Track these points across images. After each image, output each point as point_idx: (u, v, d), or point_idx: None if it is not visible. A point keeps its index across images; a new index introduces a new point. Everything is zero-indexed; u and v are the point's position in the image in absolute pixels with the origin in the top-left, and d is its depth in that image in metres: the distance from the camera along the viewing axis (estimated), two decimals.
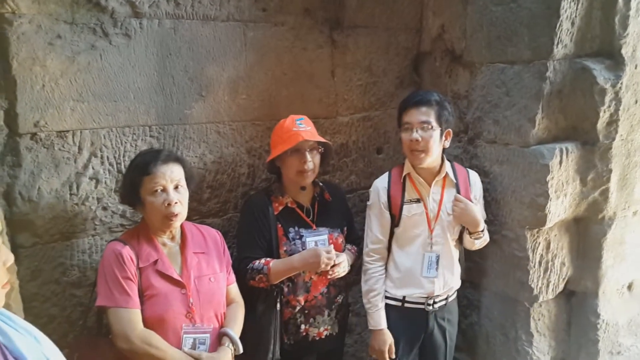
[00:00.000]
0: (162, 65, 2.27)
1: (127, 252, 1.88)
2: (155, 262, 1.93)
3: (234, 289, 2.19)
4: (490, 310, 2.76)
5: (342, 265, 2.29)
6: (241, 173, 2.54)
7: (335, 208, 2.45)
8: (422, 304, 2.39)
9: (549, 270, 2.57)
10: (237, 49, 2.44)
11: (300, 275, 2.31)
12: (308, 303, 2.35)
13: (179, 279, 1.94)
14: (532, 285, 2.54)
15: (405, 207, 2.36)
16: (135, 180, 1.92)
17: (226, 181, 2.50)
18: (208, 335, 1.97)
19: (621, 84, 2.38)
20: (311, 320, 2.37)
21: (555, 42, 2.34)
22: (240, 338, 2.15)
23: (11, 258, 1.16)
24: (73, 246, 2.16)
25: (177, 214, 1.92)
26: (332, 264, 2.23)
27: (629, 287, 2.82)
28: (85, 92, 2.12)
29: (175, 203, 1.91)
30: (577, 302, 2.73)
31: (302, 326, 2.36)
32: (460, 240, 2.47)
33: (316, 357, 2.51)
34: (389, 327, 2.39)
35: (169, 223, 1.93)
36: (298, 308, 2.34)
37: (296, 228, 2.34)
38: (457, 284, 2.49)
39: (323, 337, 2.40)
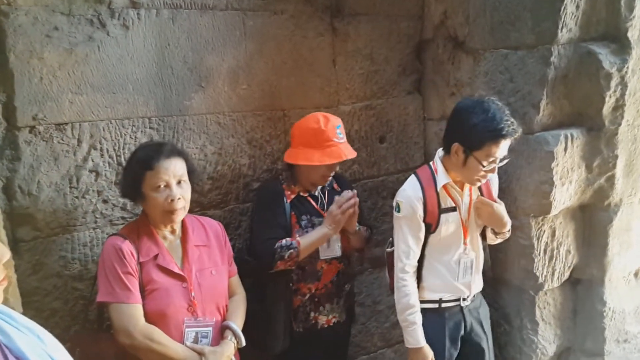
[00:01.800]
0: (161, 56, 2.25)
1: (127, 246, 1.87)
2: (156, 256, 1.91)
3: (236, 281, 2.18)
4: (495, 299, 2.74)
5: (351, 196, 2.28)
6: (242, 164, 2.52)
7: None
8: (457, 300, 2.31)
9: (554, 258, 2.55)
10: (237, 38, 2.41)
11: (311, 263, 2.33)
12: (318, 291, 2.36)
13: (180, 272, 1.93)
14: (537, 274, 2.52)
15: (442, 216, 2.22)
16: (137, 175, 1.89)
17: (227, 172, 2.48)
18: (210, 328, 1.96)
19: (627, 68, 2.35)
20: (320, 308, 2.38)
21: (560, 26, 2.30)
22: (251, 326, 2.17)
23: (7, 254, 1.14)
24: (74, 239, 2.15)
25: (179, 209, 1.90)
26: (346, 207, 2.24)
27: (636, 274, 2.80)
28: (84, 85, 2.10)
29: (179, 199, 1.89)
30: (583, 290, 2.71)
31: (312, 314, 2.37)
32: (482, 236, 2.38)
33: (324, 345, 2.49)
34: (427, 331, 2.26)
35: (171, 218, 1.92)
36: (308, 296, 2.35)
37: (309, 216, 2.35)
38: (482, 280, 2.42)
39: (331, 324, 2.42)
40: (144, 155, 1.91)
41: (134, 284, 1.84)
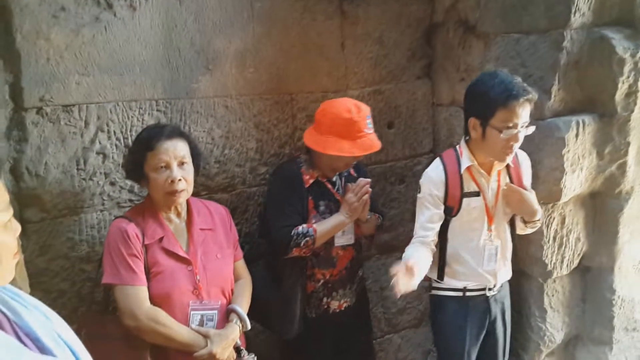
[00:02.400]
0: (168, 37, 2.23)
1: (133, 229, 1.87)
2: (161, 239, 1.91)
3: (241, 265, 2.18)
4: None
5: (365, 184, 2.26)
6: (249, 148, 2.51)
7: None
8: (483, 289, 2.27)
9: (564, 246, 2.53)
10: (244, 20, 2.39)
11: (326, 249, 2.33)
12: (333, 277, 2.37)
13: (185, 256, 1.93)
14: (546, 261, 2.50)
15: (464, 200, 2.17)
16: (138, 156, 1.89)
17: (234, 156, 2.47)
18: (216, 311, 1.96)
19: None
20: (333, 293, 2.39)
21: (573, 11, 2.26)
22: (266, 310, 2.20)
23: (19, 228, 1.15)
24: (81, 221, 2.15)
25: (180, 191, 1.89)
26: (360, 195, 2.23)
27: None
28: (91, 66, 2.09)
29: (179, 180, 1.88)
30: (592, 278, 2.69)
31: (324, 299, 2.38)
32: (512, 225, 2.32)
33: (335, 329, 2.48)
34: (450, 319, 2.26)
35: (172, 199, 1.91)
36: (322, 282, 2.36)
37: (326, 201, 2.34)
38: (510, 269, 2.37)
39: (343, 309, 2.42)
40: (146, 137, 1.91)
41: (139, 266, 1.84)
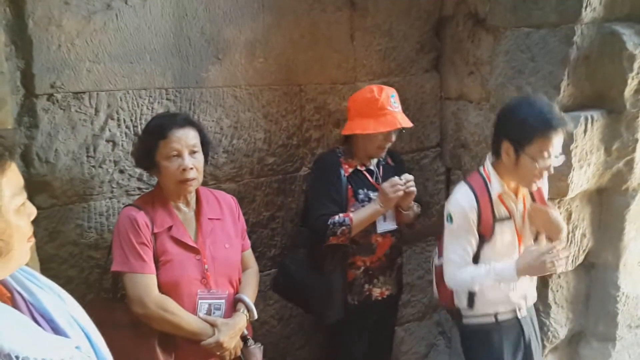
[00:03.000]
0: (179, 26, 2.23)
1: (142, 217, 1.87)
2: (170, 227, 1.92)
3: (249, 255, 2.19)
4: None
5: (410, 181, 2.29)
6: (257, 138, 2.51)
7: (397, 172, 2.40)
8: (514, 311, 2.19)
9: (569, 242, 2.53)
10: (255, 10, 2.39)
11: (365, 237, 2.36)
12: (373, 264, 2.41)
13: (194, 245, 1.93)
14: None
15: (497, 225, 2.07)
16: (150, 144, 1.89)
17: (242, 146, 2.48)
18: (223, 301, 1.96)
19: None
20: (374, 280, 2.43)
21: (584, 5, 2.25)
22: (307, 295, 2.30)
23: (35, 211, 1.16)
24: (90, 208, 2.16)
25: (192, 180, 1.90)
26: (401, 188, 2.25)
27: None
28: (101, 53, 2.10)
29: (191, 169, 1.88)
30: (597, 274, 2.69)
31: (366, 286, 2.43)
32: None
33: (376, 316, 2.53)
34: (487, 348, 2.16)
35: (184, 188, 1.91)
36: (362, 269, 2.40)
37: (365, 190, 2.38)
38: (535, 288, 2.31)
39: (385, 296, 2.47)
40: (157, 124, 1.91)
41: (148, 255, 1.85)
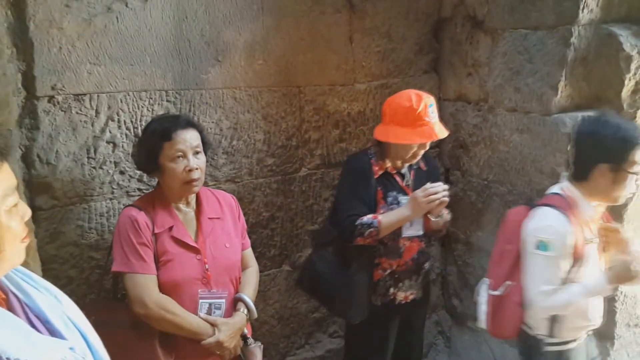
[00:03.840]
0: (179, 28, 2.25)
1: (143, 218, 1.88)
2: (171, 228, 1.93)
3: (249, 254, 2.20)
4: None
5: (442, 190, 2.25)
6: (257, 139, 2.53)
7: (429, 178, 2.41)
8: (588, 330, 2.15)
9: None
10: (254, 12, 2.41)
11: (393, 239, 2.35)
12: (399, 268, 2.39)
13: (194, 245, 1.94)
14: None
15: (586, 248, 1.99)
16: (154, 147, 1.89)
17: (242, 147, 2.50)
18: (224, 300, 1.97)
19: None
20: (400, 284, 2.41)
21: (581, 7, 2.26)
22: (333, 294, 2.31)
23: (29, 212, 1.15)
24: (91, 209, 2.18)
25: (197, 180, 1.91)
26: (433, 197, 2.21)
27: None
28: (102, 55, 2.12)
29: (196, 169, 1.90)
30: None
31: (391, 289, 2.41)
32: None
33: (400, 320, 2.52)
34: None
35: (189, 189, 1.93)
36: (388, 271, 2.39)
37: (395, 193, 2.35)
38: None
39: (409, 300, 2.45)
40: (161, 127, 1.91)
41: (148, 255, 1.86)
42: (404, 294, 2.43)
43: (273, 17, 2.45)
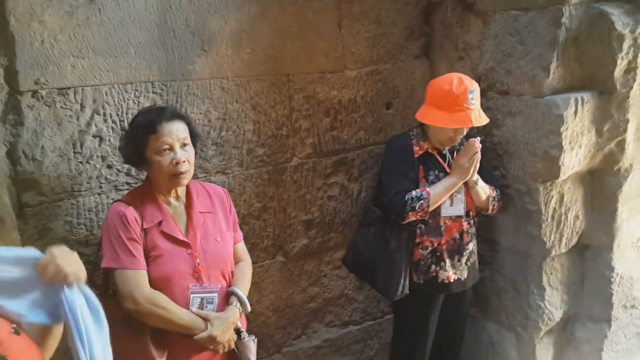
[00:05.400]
0: (163, 18, 2.21)
1: (131, 213, 1.86)
2: (160, 222, 1.90)
3: (242, 248, 2.18)
4: (502, 265, 2.74)
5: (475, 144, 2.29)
6: (246, 130, 2.49)
7: None
8: None
9: (562, 224, 2.53)
10: (239, 0, 2.36)
11: (434, 217, 2.42)
12: (440, 246, 2.45)
13: (184, 239, 1.92)
14: (545, 239, 2.50)
15: None
16: (140, 140, 1.86)
17: (231, 138, 2.46)
18: (216, 294, 1.96)
19: None
20: (442, 263, 2.47)
21: None
22: (373, 272, 2.46)
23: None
24: (79, 204, 2.15)
25: (185, 172, 1.88)
26: (471, 154, 2.28)
27: None
28: (85, 48, 2.07)
29: (183, 162, 1.87)
30: (591, 256, 2.69)
31: (432, 267, 2.47)
32: None
33: (444, 299, 2.60)
34: None
35: (177, 181, 1.90)
36: (429, 249, 2.45)
37: (436, 172, 2.42)
38: None
39: (452, 280, 2.50)
40: (146, 119, 1.88)
41: (138, 250, 1.84)
42: (447, 274, 2.48)
43: (259, 4, 2.41)
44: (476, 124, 2.26)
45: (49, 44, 2.00)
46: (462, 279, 2.53)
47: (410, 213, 2.32)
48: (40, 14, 1.97)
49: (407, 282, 2.45)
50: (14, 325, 1.20)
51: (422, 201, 2.31)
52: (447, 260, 2.46)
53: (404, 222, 2.37)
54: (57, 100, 2.05)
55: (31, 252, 1.29)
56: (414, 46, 2.92)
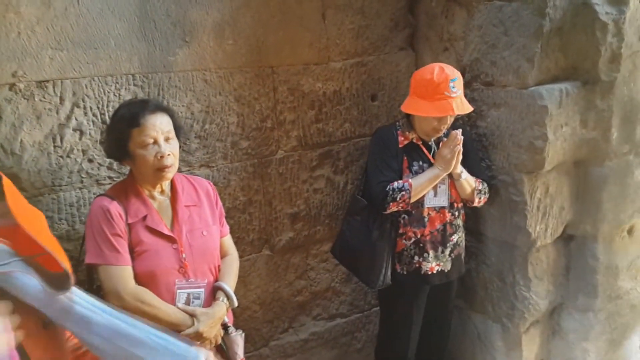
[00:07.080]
0: (143, 9, 2.17)
1: (115, 207, 1.82)
2: (145, 217, 1.87)
3: (228, 242, 2.15)
4: (488, 256, 2.74)
5: (457, 136, 2.28)
6: (230, 122, 2.46)
7: None
8: None
9: (548, 215, 2.54)
10: None
11: (417, 208, 2.42)
12: (423, 237, 2.45)
13: (170, 234, 1.89)
14: (530, 230, 2.50)
15: None
16: (122, 134, 1.82)
17: (215, 131, 2.43)
18: (202, 290, 1.93)
19: (624, 18, 2.29)
20: (425, 254, 2.47)
21: None
22: (355, 259, 2.52)
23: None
24: (60, 199, 2.11)
25: (170, 166, 1.85)
26: (452, 146, 2.27)
27: (629, 230, 2.77)
28: (64, 40, 2.03)
29: (168, 155, 1.83)
30: (576, 246, 2.70)
31: (416, 257, 2.47)
32: None
33: (428, 290, 2.60)
34: None
35: (162, 175, 1.86)
36: (413, 240, 2.45)
37: (420, 163, 2.42)
38: None
39: (435, 272, 2.50)
40: (129, 112, 1.84)
41: (122, 246, 1.81)
42: (430, 265, 2.48)
43: None
44: (458, 112, 2.25)
45: (25, 35, 1.96)
46: (446, 270, 2.53)
47: (391, 204, 2.33)
48: (16, 4, 1.93)
49: (389, 272, 2.46)
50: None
51: (403, 192, 2.31)
52: (430, 252, 2.46)
53: (386, 212, 2.38)
54: (36, 93, 2.01)
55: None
56: (398, 38, 2.91)
